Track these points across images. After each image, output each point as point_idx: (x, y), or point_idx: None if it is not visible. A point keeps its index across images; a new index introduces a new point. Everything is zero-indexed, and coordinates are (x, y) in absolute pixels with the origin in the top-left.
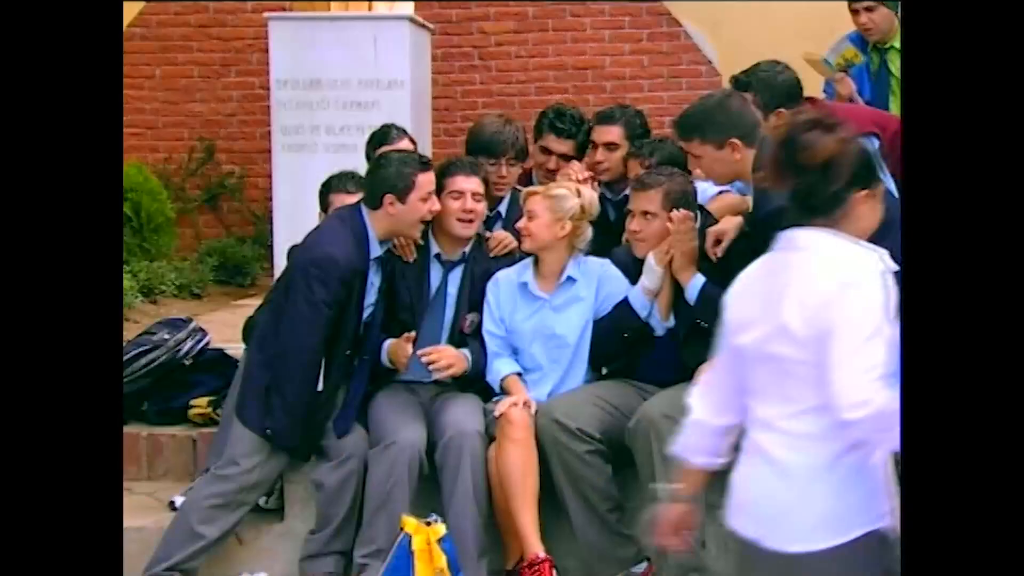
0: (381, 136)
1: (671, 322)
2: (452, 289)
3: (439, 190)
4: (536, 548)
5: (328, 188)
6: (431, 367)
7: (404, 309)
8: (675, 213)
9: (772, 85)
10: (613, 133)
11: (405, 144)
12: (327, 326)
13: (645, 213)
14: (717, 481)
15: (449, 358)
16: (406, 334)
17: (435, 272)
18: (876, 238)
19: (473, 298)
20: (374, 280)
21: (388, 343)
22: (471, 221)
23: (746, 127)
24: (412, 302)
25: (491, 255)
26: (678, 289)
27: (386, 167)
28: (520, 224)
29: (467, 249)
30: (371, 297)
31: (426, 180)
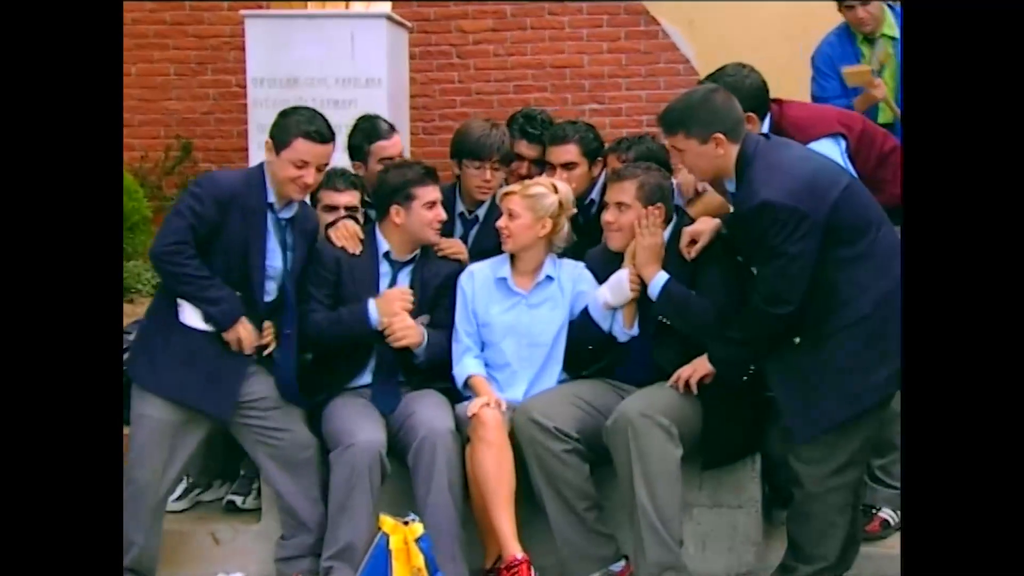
0: (371, 129)
1: (635, 331)
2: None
3: (409, 199)
4: (514, 549)
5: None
6: (391, 332)
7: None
8: (642, 209)
9: (739, 89)
10: (569, 152)
11: (395, 140)
12: (197, 238)
13: (619, 204)
14: (695, 481)
15: (409, 326)
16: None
17: (384, 271)
18: (857, 234)
19: (424, 299)
20: (273, 233)
21: (373, 301)
22: (440, 228)
23: (730, 122)
24: (361, 299)
25: (439, 255)
26: (644, 290)
27: (286, 116)
28: (500, 223)
29: (417, 251)
30: (273, 255)
31: (301, 148)
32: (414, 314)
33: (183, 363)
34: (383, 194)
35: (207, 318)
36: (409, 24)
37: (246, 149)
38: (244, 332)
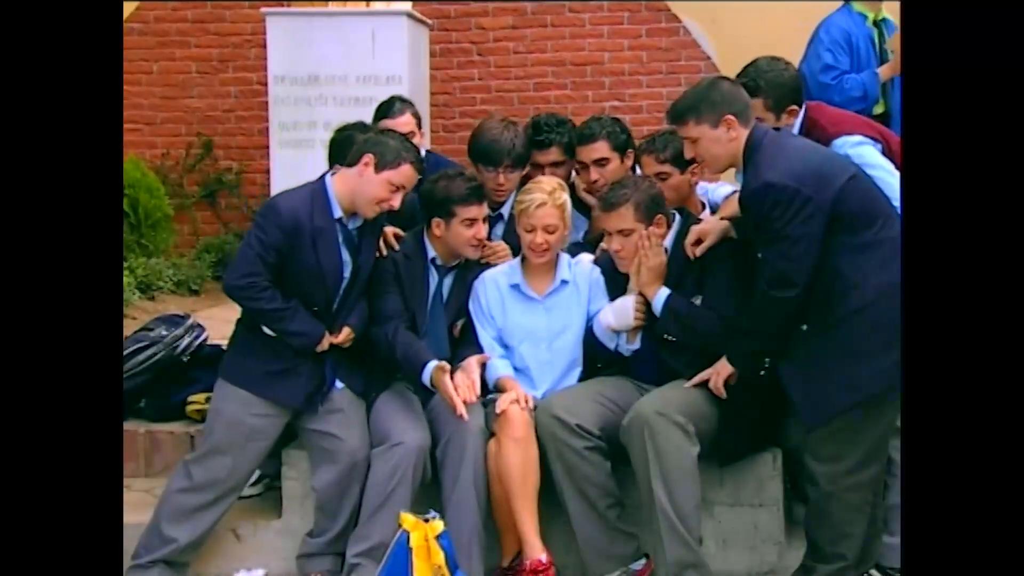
0: (385, 108)
1: (637, 344)
2: (446, 291)
3: (450, 215)
4: (538, 552)
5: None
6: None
7: (411, 312)
8: (643, 231)
9: (781, 84)
10: (600, 149)
11: (407, 119)
12: (269, 268)
13: (621, 231)
14: (715, 479)
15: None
16: (441, 364)
17: (432, 277)
18: (863, 224)
19: (461, 299)
20: (345, 247)
21: (432, 366)
22: (482, 245)
23: (739, 105)
24: (412, 306)
25: (482, 260)
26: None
27: (388, 137)
28: (539, 239)
29: (463, 258)
30: (347, 268)
31: (407, 173)
32: (458, 314)
33: (266, 362)
34: (428, 204)
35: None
36: (429, 21)
37: (267, 147)
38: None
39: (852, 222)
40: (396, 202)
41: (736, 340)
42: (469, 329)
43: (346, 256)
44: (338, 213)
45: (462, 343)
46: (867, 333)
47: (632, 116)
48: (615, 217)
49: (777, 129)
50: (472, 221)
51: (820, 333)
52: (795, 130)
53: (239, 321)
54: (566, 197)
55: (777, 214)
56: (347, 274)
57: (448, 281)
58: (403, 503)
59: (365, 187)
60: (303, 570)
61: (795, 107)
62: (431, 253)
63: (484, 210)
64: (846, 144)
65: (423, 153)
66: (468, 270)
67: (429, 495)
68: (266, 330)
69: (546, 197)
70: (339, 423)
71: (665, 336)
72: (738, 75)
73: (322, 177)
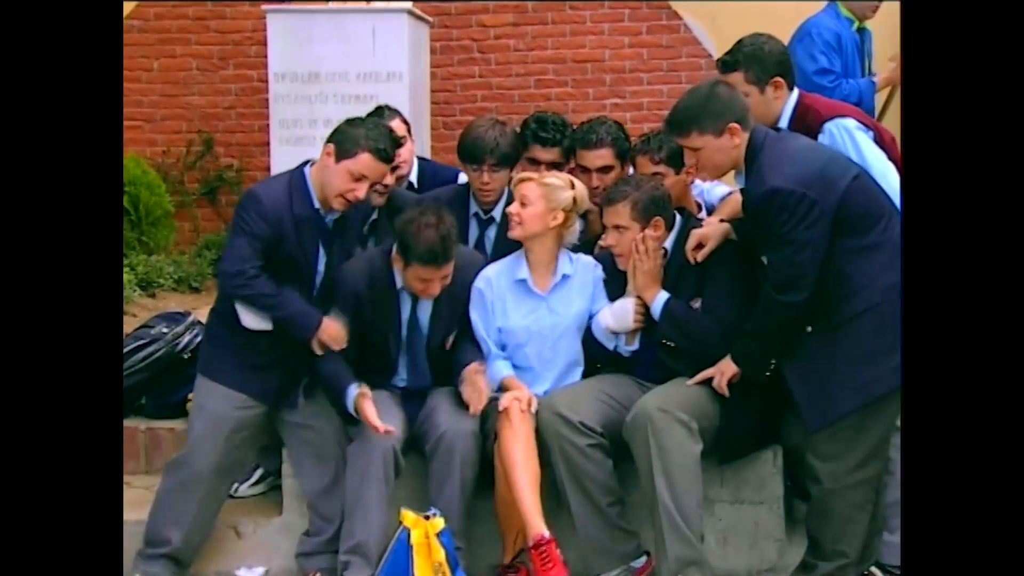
0: (375, 116)
1: (636, 346)
2: (423, 316)
3: (406, 263)
4: (540, 529)
5: None
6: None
7: (379, 338)
8: (639, 235)
9: (760, 57)
10: (605, 156)
11: (397, 124)
12: (257, 254)
13: (616, 227)
14: (716, 477)
15: (483, 396)
16: (362, 390)
17: (405, 301)
18: (867, 225)
19: (448, 319)
20: (321, 240)
21: (353, 394)
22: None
23: (740, 111)
24: (384, 331)
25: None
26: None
27: (352, 126)
28: (511, 209)
29: None
30: (323, 262)
31: (365, 162)
32: (447, 332)
33: (244, 356)
34: (395, 229)
35: (287, 333)
36: (430, 19)
37: (267, 144)
38: (328, 333)
39: (856, 224)
40: (361, 193)
41: (741, 342)
42: (465, 335)
43: (322, 250)
44: (316, 204)
45: (460, 350)
46: (873, 335)
47: (633, 114)
48: (611, 212)
49: (778, 130)
50: (424, 280)
51: (825, 335)
52: (787, 113)
53: (212, 312)
54: (557, 184)
55: (784, 219)
56: (322, 268)
57: (425, 304)
58: (376, 498)
59: (329, 178)
60: (302, 568)
61: (780, 79)
62: (400, 282)
63: (443, 271)
64: (842, 126)
65: (414, 162)
66: (453, 282)
67: (427, 494)
68: (244, 322)
69: (534, 174)
70: (316, 415)
71: (663, 342)
72: (723, 55)
73: (301, 167)
